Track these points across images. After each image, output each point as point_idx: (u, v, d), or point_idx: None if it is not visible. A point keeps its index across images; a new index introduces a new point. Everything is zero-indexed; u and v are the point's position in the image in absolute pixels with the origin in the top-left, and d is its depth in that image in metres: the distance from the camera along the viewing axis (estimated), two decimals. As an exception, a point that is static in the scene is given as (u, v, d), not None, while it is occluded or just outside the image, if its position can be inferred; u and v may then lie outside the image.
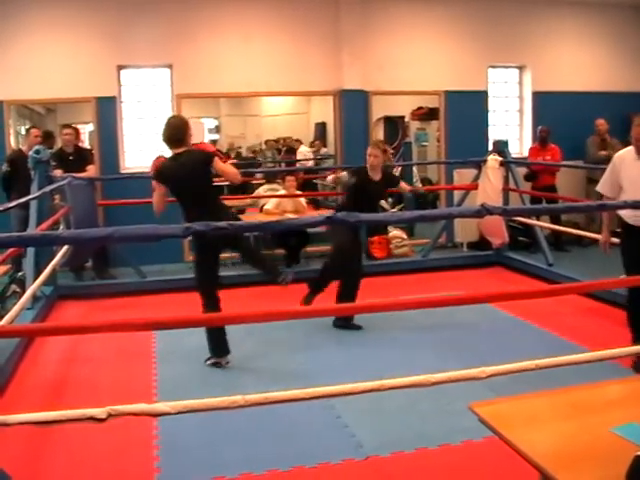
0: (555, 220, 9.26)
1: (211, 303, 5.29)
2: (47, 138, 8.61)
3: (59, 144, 8.78)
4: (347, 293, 6.18)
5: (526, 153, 10.51)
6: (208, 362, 5.41)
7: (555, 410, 2.52)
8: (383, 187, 6.42)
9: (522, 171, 9.58)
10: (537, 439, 2.23)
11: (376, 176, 6.26)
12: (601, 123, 9.91)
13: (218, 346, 5.37)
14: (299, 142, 14.32)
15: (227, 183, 9.18)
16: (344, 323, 6.22)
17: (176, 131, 5.17)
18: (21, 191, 7.29)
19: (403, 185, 6.72)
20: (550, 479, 2.05)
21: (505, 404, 2.58)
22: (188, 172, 5.09)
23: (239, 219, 6.52)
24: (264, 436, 4.12)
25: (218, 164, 5.17)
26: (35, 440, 4.04)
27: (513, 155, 9.43)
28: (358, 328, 6.24)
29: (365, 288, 6.39)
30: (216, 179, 5.50)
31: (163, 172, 5.16)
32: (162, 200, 5.26)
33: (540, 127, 10.02)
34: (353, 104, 9.61)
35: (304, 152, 13.79)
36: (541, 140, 9.94)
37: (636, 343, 4.82)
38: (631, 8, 10.84)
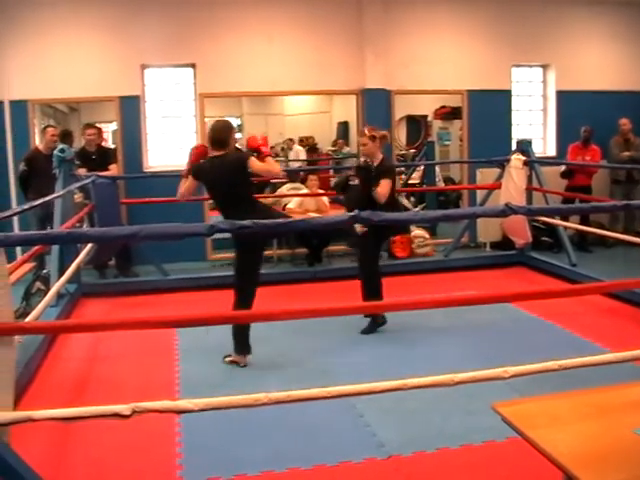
0: (584, 220, 9.20)
1: (246, 302, 5.32)
2: (65, 137, 8.67)
3: (78, 143, 8.83)
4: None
5: (550, 152, 10.48)
6: (227, 359, 5.44)
7: (578, 411, 2.51)
8: (369, 172, 6.19)
9: (559, 168, 9.60)
10: (560, 439, 2.23)
11: (375, 162, 6.23)
12: (624, 123, 9.83)
13: (242, 344, 5.40)
14: (292, 141, 14.36)
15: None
16: (372, 329, 6.20)
17: (218, 134, 5.28)
18: (38, 190, 7.37)
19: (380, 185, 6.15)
20: (573, 479, 2.05)
21: (528, 404, 2.58)
22: (221, 176, 5.19)
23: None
24: (286, 434, 4.13)
25: (255, 165, 5.20)
26: (58, 436, 4.08)
27: (537, 154, 9.37)
28: (383, 322, 6.20)
29: (387, 287, 6.37)
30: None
31: (198, 172, 5.33)
32: (189, 189, 5.44)
33: (584, 127, 9.86)
34: (375, 103, 9.60)
35: (297, 151, 13.83)
36: (584, 140, 9.83)
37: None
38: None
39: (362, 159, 6.36)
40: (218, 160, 5.23)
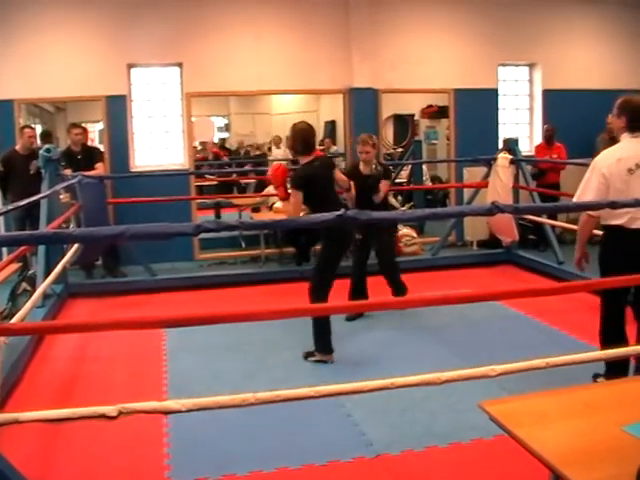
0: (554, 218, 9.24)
1: (322, 296, 5.26)
2: (45, 137, 8.62)
3: (63, 143, 8.78)
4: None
5: (537, 151, 10.52)
6: (311, 359, 5.40)
7: (566, 408, 2.52)
8: (377, 180, 6.34)
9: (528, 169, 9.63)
10: (548, 437, 2.23)
11: (367, 170, 6.32)
12: (612, 121, 9.86)
13: (325, 343, 5.37)
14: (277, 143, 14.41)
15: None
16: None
17: (311, 139, 5.46)
18: (16, 190, 7.37)
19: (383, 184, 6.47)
20: (561, 477, 2.06)
21: (515, 402, 2.58)
22: (326, 177, 5.45)
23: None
24: (274, 434, 4.13)
25: (338, 172, 5.67)
26: (46, 438, 4.06)
27: (523, 153, 9.40)
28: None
29: (375, 286, 6.40)
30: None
31: (308, 178, 5.28)
32: (300, 204, 5.31)
33: (545, 126, 10.03)
34: (363, 102, 9.61)
35: (276, 154, 13.84)
36: (547, 139, 9.93)
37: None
38: (641, 5, 10.80)
39: (362, 166, 6.36)
40: (317, 162, 5.40)
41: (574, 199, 4.77)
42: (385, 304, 4.88)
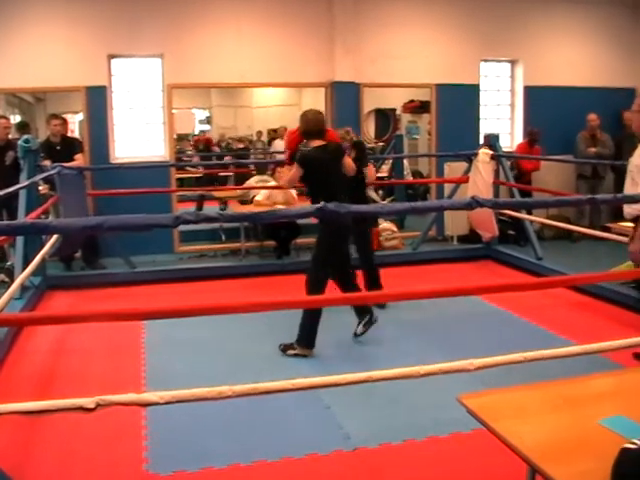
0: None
1: (318, 288, 5.32)
2: (22, 129, 8.54)
3: (43, 134, 8.71)
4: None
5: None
6: (290, 352, 5.36)
7: (544, 402, 2.52)
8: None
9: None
10: (525, 431, 2.24)
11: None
12: (593, 119, 9.94)
13: (310, 337, 5.35)
14: (276, 133, 14.32)
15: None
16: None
17: (321, 124, 5.54)
18: None
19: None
20: (538, 471, 2.06)
21: (493, 396, 2.59)
22: (335, 162, 5.59)
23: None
24: (253, 427, 4.12)
25: (346, 158, 5.79)
26: (23, 430, 4.03)
27: (504, 149, 9.44)
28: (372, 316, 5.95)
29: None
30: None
31: (311, 160, 5.42)
32: (295, 178, 5.60)
33: (531, 128, 10.10)
34: (345, 96, 9.59)
35: (277, 147, 13.81)
36: (531, 141, 10.00)
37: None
38: (623, 4, 10.84)
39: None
40: (329, 148, 5.52)
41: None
42: (363, 298, 4.88)
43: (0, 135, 7.85)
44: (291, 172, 5.54)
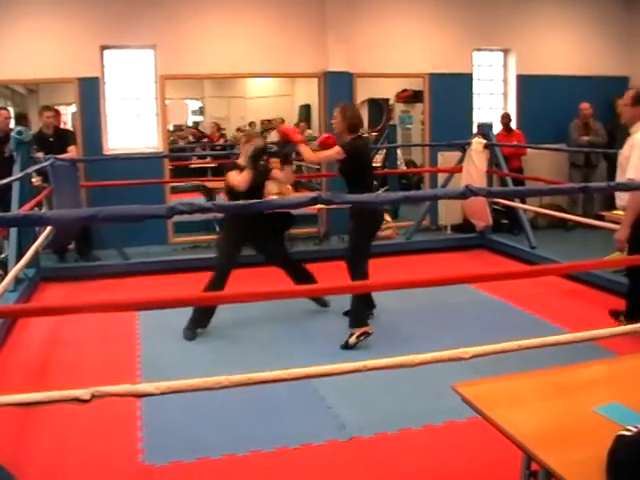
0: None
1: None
2: (20, 120, 8.50)
3: (36, 126, 8.68)
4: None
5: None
6: (353, 341, 5.35)
7: (538, 390, 2.54)
8: None
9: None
10: (520, 419, 2.25)
11: None
12: (585, 107, 9.94)
13: (364, 316, 5.56)
14: (270, 123, 14.29)
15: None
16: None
17: (359, 120, 5.78)
18: None
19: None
20: (534, 458, 2.08)
21: (488, 384, 2.60)
22: (367, 153, 5.98)
23: None
24: (248, 417, 4.13)
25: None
26: (18, 421, 4.03)
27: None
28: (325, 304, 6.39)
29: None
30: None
31: (357, 147, 5.58)
32: (332, 159, 5.85)
33: (502, 113, 10.28)
34: (338, 86, 9.57)
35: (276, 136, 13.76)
36: (504, 126, 10.09)
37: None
38: (615, -8, 10.87)
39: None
40: (364, 139, 6.09)
41: (630, 175, 4.89)
42: (357, 288, 4.89)
43: (1, 126, 7.81)
44: (331, 151, 5.59)
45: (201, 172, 13.00)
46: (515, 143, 9.89)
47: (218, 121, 15.81)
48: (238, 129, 15.08)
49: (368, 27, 9.73)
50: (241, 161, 5.87)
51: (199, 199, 11.12)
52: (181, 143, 15.02)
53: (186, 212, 2.66)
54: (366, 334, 5.35)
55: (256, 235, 6.00)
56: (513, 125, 10.45)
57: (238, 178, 5.55)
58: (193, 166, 12.90)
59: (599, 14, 10.83)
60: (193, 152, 14.30)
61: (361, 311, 5.54)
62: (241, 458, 3.62)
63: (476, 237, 9.02)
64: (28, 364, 5.14)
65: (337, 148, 5.51)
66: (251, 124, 15.22)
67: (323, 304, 6.36)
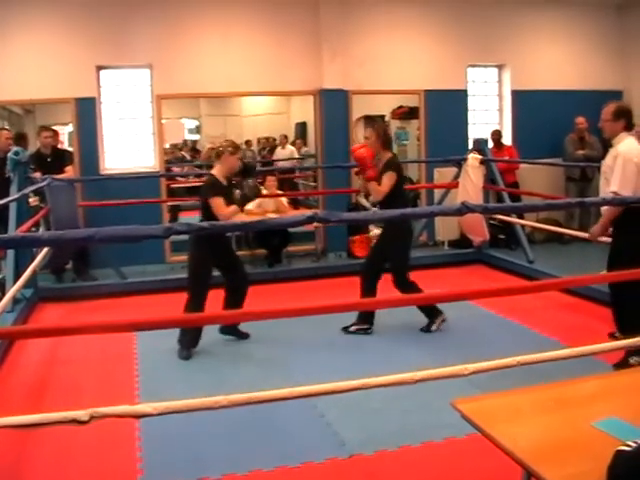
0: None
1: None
2: (19, 140, 8.51)
3: (32, 146, 8.69)
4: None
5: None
6: (434, 326, 6.09)
7: (537, 406, 2.54)
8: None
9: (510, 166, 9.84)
10: (519, 435, 2.25)
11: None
12: (581, 122, 9.97)
13: (435, 312, 6.08)
14: (285, 139, 14.25)
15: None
16: (231, 330, 6.01)
17: (389, 135, 6.13)
18: None
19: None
20: (533, 474, 2.07)
21: (487, 400, 2.60)
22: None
23: None
24: (247, 436, 4.12)
25: None
26: (16, 443, 4.01)
27: (493, 153, 9.48)
28: (245, 336, 6.05)
29: (347, 287, 6.39)
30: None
31: (400, 165, 6.03)
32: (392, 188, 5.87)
33: (492, 130, 10.33)
34: (333, 103, 9.61)
35: (291, 151, 13.77)
36: (495, 142, 10.12)
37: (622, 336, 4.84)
38: (609, 7, 10.91)
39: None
40: (396, 156, 6.16)
41: (613, 188, 4.98)
42: (354, 306, 4.89)
43: (2, 146, 7.82)
44: (389, 182, 5.75)
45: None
46: (507, 158, 9.92)
47: (215, 139, 15.82)
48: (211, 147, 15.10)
49: (363, 45, 9.77)
50: (219, 176, 5.58)
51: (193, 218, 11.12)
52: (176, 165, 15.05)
53: (183, 232, 2.67)
54: (444, 320, 6.08)
55: (224, 256, 5.83)
56: (508, 140, 10.50)
57: (225, 211, 5.28)
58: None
59: (593, 28, 10.89)
60: (191, 170, 14.29)
61: (432, 307, 6.03)
62: (241, 477, 3.61)
63: (473, 252, 9.03)
64: (26, 384, 5.13)
65: (390, 174, 5.73)
66: (248, 142, 15.25)
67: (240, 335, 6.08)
